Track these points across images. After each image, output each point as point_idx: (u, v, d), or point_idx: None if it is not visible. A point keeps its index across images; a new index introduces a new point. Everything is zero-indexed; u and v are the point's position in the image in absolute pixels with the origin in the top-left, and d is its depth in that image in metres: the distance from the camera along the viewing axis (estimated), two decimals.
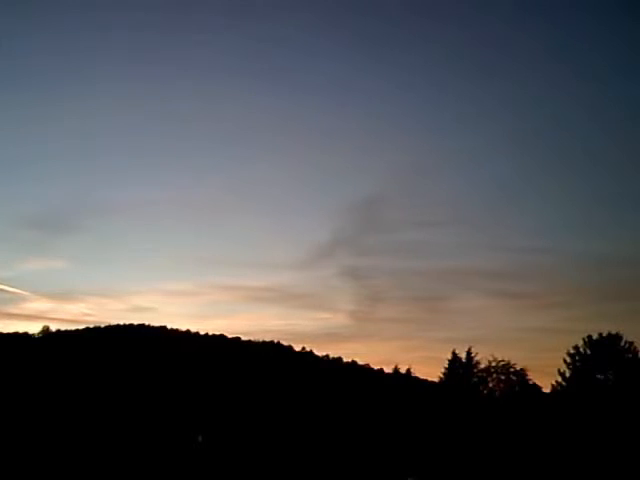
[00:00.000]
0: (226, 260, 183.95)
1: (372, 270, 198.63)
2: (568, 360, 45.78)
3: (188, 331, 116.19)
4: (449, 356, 51.66)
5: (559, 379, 45.92)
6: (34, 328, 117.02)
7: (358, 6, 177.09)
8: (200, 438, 50.27)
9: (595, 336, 45.49)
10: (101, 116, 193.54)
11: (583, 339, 45.78)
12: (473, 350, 51.17)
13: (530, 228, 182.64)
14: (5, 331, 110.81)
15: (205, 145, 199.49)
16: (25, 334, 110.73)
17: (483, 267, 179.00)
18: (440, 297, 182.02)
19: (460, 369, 51.67)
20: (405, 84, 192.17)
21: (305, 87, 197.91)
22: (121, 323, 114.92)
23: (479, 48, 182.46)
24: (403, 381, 69.64)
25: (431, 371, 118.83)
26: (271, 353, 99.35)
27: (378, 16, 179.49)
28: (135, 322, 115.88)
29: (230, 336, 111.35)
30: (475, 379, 51.08)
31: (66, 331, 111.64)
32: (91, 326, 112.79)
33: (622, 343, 44.78)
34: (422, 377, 75.61)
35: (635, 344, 44.50)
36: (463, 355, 51.56)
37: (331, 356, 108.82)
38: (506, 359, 50.19)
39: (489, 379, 50.54)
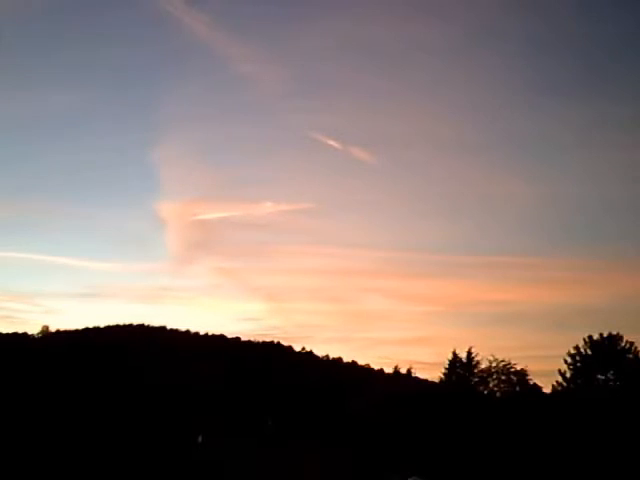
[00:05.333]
0: (87, 262, 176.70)
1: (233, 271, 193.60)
2: (569, 360, 45.77)
3: (188, 331, 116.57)
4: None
5: (560, 379, 45.95)
6: None
7: None
8: (200, 438, 50.24)
9: (596, 336, 45.49)
10: None
11: (584, 339, 45.78)
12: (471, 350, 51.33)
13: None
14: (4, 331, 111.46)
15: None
16: (24, 334, 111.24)
17: (357, 267, 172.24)
18: (340, 298, 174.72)
19: (460, 369, 51.72)
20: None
21: None
22: (120, 323, 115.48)
23: None
24: (404, 381, 69.75)
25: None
26: (271, 353, 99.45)
27: None
28: (134, 322, 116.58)
29: (230, 336, 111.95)
30: (476, 379, 51.12)
31: (65, 331, 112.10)
32: (90, 326, 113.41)
33: (623, 343, 44.80)
34: (422, 377, 75.94)
35: (636, 344, 44.58)
36: (463, 355, 51.68)
37: (331, 356, 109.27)
38: (506, 359, 50.35)
39: (489, 379, 50.57)
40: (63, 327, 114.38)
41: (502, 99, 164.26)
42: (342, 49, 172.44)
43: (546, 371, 50.79)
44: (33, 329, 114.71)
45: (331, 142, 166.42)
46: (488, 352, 51.44)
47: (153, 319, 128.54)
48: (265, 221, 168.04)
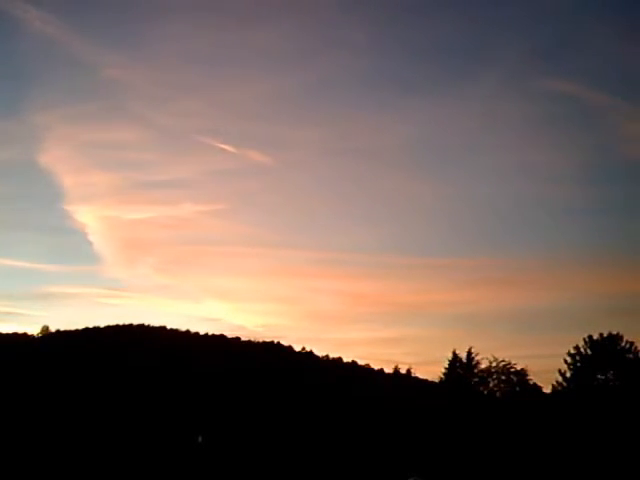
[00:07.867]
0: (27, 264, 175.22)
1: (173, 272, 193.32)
2: (569, 360, 45.72)
3: (188, 331, 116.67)
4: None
5: (560, 379, 45.91)
6: None
7: None
8: (200, 438, 50.25)
9: (596, 336, 45.45)
10: None
11: (584, 339, 45.74)
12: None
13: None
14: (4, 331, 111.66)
15: None
16: (24, 334, 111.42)
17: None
18: (290, 298, 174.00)
19: (460, 369, 51.65)
20: None
21: None
22: (120, 323, 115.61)
23: None
24: (404, 381, 69.76)
25: None
26: (271, 353, 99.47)
27: None
28: (134, 322, 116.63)
29: (230, 336, 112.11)
30: (475, 379, 51.05)
31: (65, 331, 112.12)
32: (90, 326, 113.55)
33: (623, 343, 44.76)
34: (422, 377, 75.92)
35: (636, 344, 44.55)
36: (463, 355, 51.62)
37: (331, 356, 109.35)
38: (506, 359, 50.30)
39: (489, 379, 50.50)
40: (63, 327, 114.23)
41: (406, 99, 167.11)
42: (201, 53, 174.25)
43: None
44: None
45: (223, 145, 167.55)
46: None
47: (106, 320, 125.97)
48: (189, 222, 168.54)
